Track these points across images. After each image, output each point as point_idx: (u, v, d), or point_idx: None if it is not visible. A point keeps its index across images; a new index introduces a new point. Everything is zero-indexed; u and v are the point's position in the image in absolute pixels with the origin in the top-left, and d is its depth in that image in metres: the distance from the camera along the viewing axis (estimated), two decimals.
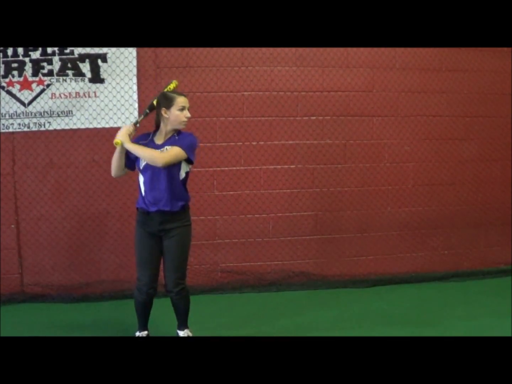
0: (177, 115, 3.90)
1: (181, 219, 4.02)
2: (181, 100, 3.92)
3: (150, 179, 3.92)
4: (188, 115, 3.96)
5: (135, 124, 4.02)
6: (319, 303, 5.41)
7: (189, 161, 3.96)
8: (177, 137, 3.96)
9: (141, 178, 4.00)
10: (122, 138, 3.88)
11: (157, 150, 3.88)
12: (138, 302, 4.13)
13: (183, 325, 4.22)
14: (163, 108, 3.90)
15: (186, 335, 4.20)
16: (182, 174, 3.99)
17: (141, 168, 3.96)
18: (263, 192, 5.82)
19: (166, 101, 3.91)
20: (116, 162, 4.01)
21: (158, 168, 3.87)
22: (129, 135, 3.92)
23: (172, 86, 4.11)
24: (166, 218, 3.96)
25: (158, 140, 3.97)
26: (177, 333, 4.23)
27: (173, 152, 3.85)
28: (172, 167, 3.90)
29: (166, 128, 3.96)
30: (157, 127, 4.02)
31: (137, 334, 4.23)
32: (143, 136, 4.03)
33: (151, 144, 3.94)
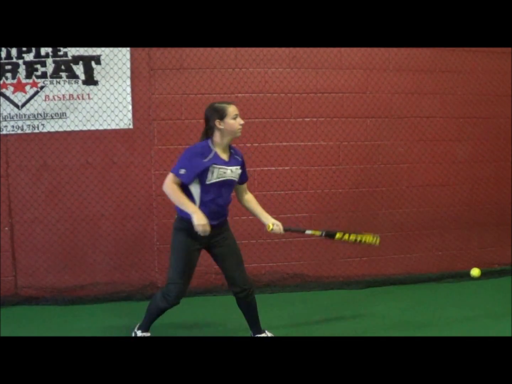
0: (232, 124, 3.89)
1: (227, 223, 4.14)
2: (232, 109, 3.92)
3: (216, 195, 3.91)
4: (242, 122, 3.96)
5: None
6: (314, 305, 5.41)
7: (242, 178, 4.14)
8: (236, 156, 4.03)
9: (197, 191, 3.91)
10: (201, 224, 3.79)
11: (227, 169, 3.91)
12: (158, 308, 4.08)
13: (259, 327, 4.26)
14: (217, 120, 3.87)
15: (270, 335, 4.29)
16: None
17: (207, 183, 3.87)
18: (257, 194, 5.76)
19: (218, 112, 3.88)
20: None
21: (226, 185, 3.95)
22: None
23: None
24: (218, 227, 3.99)
25: (222, 155, 3.94)
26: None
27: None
28: (232, 185, 4.02)
29: (222, 140, 3.93)
30: (205, 137, 3.98)
31: (139, 333, 4.21)
32: (201, 149, 3.91)
33: (219, 161, 3.89)
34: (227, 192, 3.98)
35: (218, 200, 3.92)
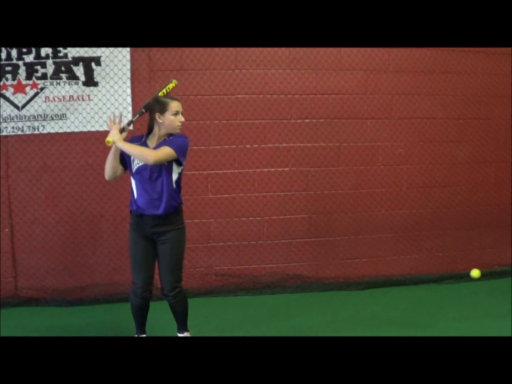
0: (171, 120, 3.90)
1: (174, 222, 4.01)
2: (175, 105, 3.91)
3: (142, 182, 3.93)
4: (182, 119, 3.96)
5: (128, 124, 4.02)
6: (314, 306, 5.41)
7: (178, 162, 3.95)
8: (168, 139, 3.96)
9: (133, 181, 4.00)
10: (114, 136, 3.85)
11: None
12: (134, 306, 4.13)
13: (182, 328, 4.21)
14: (157, 113, 3.89)
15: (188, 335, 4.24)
16: (174, 176, 3.97)
17: (133, 170, 3.96)
18: (257, 195, 5.83)
19: (160, 106, 3.89)
20: (109, 163, 3.99)
21: (150, 171, 3.89)
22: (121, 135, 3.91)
23: (171, 86, 4.08)
24: (159, 221, 3.96)
25: (151, 143, 3.96)
26: (177, 336, 4.23)
27: (164, 151, 3.84)
28: (163, 170, 3.90)
29: (159, 132, 3.95)
30: (149, 130, 4.01)
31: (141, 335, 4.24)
32: (136, 138, 4.03)
33: (144, 146, 3.94)
34: (155, 178, 3.91)
35: (146, 186, 3.93)
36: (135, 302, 4.09)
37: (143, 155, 3.81)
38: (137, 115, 4.04)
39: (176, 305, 4.13)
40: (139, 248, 4.03)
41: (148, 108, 3.98)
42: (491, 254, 6.44)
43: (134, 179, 3.98)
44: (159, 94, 3.99)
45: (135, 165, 3.93)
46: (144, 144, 3.96)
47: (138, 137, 4.04)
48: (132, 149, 3.85)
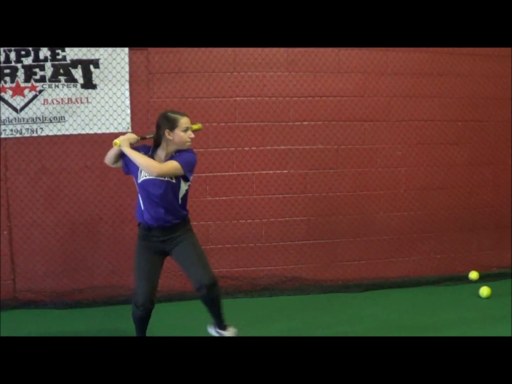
0: (181, 136, 3.87)
1: (182, 228, 4.03)
2: (184, 121, 3.88)
3: (150, 196, 3.90)
4: (192, 135, 3.93)
5: (142, 138, 3.98)
6: (313, 308, 5.41)
7: (185, 178, 3.93)
8: (175, 154, 3.92)
9: (139, 193, 3.97)
10: (122, 141, 3.82)
11: None
12: (136, 317, 4.06)
13: (223, 323, 4.23)
14: (167, 130, 3.85)
15: (233, 333, 4.26)
16: (181, 194, 3.97)
17: (139, 182, 3.91)
18: (255, 197, 5.83)
19: (169, 122, 3.85)
20: (109, 158, 3.99)
21: (157, 187, 3.86)
22: (130, 143, 3.87)
23: (196, 127, 4.06)
24: (168, 232, 3.97)
25: (158, 158, 3.92)
26: (219, 333, 4.25)
27: (171, 165, 3.81)
28: (169, 187, 3.88)
29: (167, 148, 3.91)
30: (156, 145, 3.97)
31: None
32: (143, 148, 3.95)
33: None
34: (162, 192, 3.89)
35: (152, 200, 3.90)
36: (137, 314, 4.02)
37: (148, 166, 3.78)
38: (151, 135, 4.00)
39: (216, 298, 4.09)
40: (147, 259, 4.00)
41: (157, 127, 3.95)
42: (489, 256, 6.45)
43: (140, 191, 3.95)
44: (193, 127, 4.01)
45: (142, 176, 3.89)
46: (151, 158, 3.90)
47: (146, 148, 3.97)
48: (137, 158, 3.81)
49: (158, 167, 3.77)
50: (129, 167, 3.95)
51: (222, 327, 4.24)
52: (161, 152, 3.93)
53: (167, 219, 3.93)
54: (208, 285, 3.96)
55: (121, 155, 3.95)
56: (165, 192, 3.88)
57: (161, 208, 3.90)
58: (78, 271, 5.60)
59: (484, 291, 5.58)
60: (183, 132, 3.87)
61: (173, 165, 3.81)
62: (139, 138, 3.95)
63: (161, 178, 3.85)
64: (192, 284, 4.05)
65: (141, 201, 3.97)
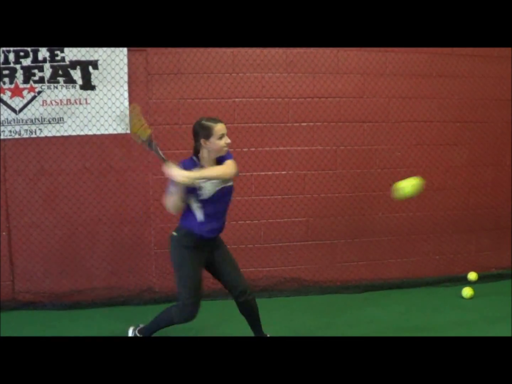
0: (217, 144, 3.80)
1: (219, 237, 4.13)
2: (219, 128, 3.81)
3: (216, 209, 3.89)
4: (228, 141, 3.86)
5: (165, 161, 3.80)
6: (312, 309, 5.41)
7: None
8: (218, 160, 3.91)
9: (199, 207, 3.86)
10: (184, 174, 3.63)
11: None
12: (171, 322, 4.02)
13: (261, 328, 4.25)
14: (202, 139, 3.80)
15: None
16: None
17: (206, 198, 3.82)
18: (254, 198, 5.83)
19: (204, 131, 3.79)
20: (177, 201, 3.79)
21: (230, 192, 3.92)
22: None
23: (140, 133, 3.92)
24: (217, 239, 4.06)
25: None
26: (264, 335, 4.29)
27: (232, 163, 3.85)
28: (230, 194, 3.95)
29: (209, 156, 3.86)
30: (195, 153, 3.91)
31: (139, 335, 4.21)
32: (187, 164, 3.80)
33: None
34: (224, 204, 3.95)
35: (218, 213, 3.92)
36: (176, 321, 3.98)
37: (224, 172, 3.78)
38: (161, 156, 3.82)
39: (255, 303, 4.14)
40: (198, 269, 3.96)
41: (194, 135, 3.89)
42: (488, 257, 6.45)
43: (207, 206, 3.85)
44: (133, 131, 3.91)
45: (210, 192, 3.81)
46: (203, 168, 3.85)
47: (189, 163, 3.84)
48: (208, 173, 3.76)
49: (231, 167, 3.83)
50: (189, 191, 3.80)
51: (261, 332, 4.25)
52: (205, 162, 3.87)
53: (223, 226, 4.02)
54: (249, 289, 4.09)
55: (175, 188, 3.76)
56: (230, 197, 3.97)
57: (223, 217, 3.97)
58: (77, 272, 5.61)
59: (466, 291, 5.58)
60: (218, 140, 3.80)
61: (232, 162, 3.87)
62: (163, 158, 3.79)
63: (231, 183, 3.91)
64: (232, 288, 4.07)
65: (201, 215, 3.87)
